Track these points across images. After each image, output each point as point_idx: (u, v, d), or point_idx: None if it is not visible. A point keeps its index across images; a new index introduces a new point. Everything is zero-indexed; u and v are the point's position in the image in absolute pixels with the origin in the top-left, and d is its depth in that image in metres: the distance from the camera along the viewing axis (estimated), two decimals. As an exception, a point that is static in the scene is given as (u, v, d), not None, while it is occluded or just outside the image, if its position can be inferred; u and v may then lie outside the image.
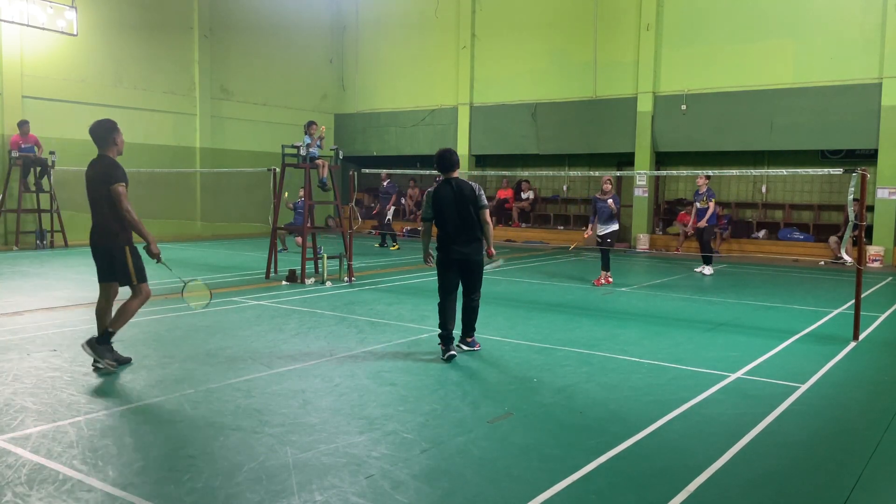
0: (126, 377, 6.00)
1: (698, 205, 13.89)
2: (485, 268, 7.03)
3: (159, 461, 4.22)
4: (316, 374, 6.16)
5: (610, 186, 12.13)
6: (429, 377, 6.17)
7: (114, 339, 6.44)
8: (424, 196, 6.99)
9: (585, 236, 12.69)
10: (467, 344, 7.13)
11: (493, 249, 7.00)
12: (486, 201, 6.84)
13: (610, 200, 11.96)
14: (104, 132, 6.20)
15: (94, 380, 5.89)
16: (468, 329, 7.13)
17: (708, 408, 5.42)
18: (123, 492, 3.79)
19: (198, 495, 3.78)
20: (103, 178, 6.08)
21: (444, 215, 6.80)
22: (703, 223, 13.64)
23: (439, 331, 6.85)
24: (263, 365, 6.46)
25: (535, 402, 5.53)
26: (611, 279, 12.14)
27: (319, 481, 3.95)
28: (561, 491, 3.89)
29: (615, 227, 12.13)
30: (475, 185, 6.82)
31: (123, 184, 6.09)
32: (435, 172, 6.98)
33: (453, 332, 6.88)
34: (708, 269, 13.78)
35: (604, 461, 4.31)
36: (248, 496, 3.76)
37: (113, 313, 6.37)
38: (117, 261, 6.17)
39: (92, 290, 10.57)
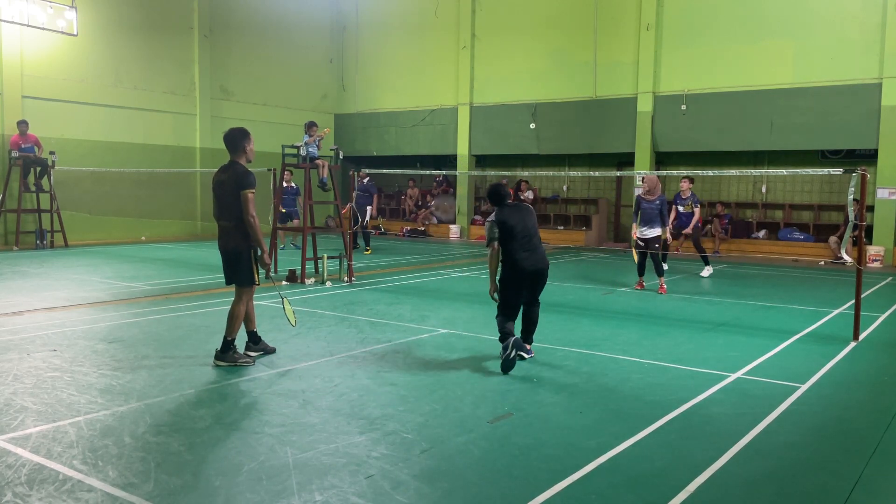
0: (126, 377, 6.00)
1: (681, 209, 13.63)
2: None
3: (159, 461, 4.22)
4: (316, 374, 6.16)
5: (647, 186, 11.19)
6: (429, 377, 6.17)
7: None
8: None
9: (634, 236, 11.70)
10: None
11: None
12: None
13: (658, 201, 11.12)
14: (236, 139, 6.43)
15: (94, 380, 5.89)
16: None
17: (708, 408, 5.42)
18: (123, 492, 3.79)
19: (198, 495, 3.78)
20: (235, 183, 6.28)
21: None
22: (689, 230, 13.66)
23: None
24: (263, 365, 6.46)
25: (535, 402, 5.52)
26: (665, 287, 11.36)
27: (319, 481, 3.95)
28: (561, 491, 3.89)
29: (658, 230, 11.25)
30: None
31: (253, 191, 6.31)
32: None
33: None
34: (707, 271, 13.57)
35: (604, 461, 4.31)
36: (248, 496, 3.76)
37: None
38: (243, 263, 6.41)
39: (91, 290, 10.60)
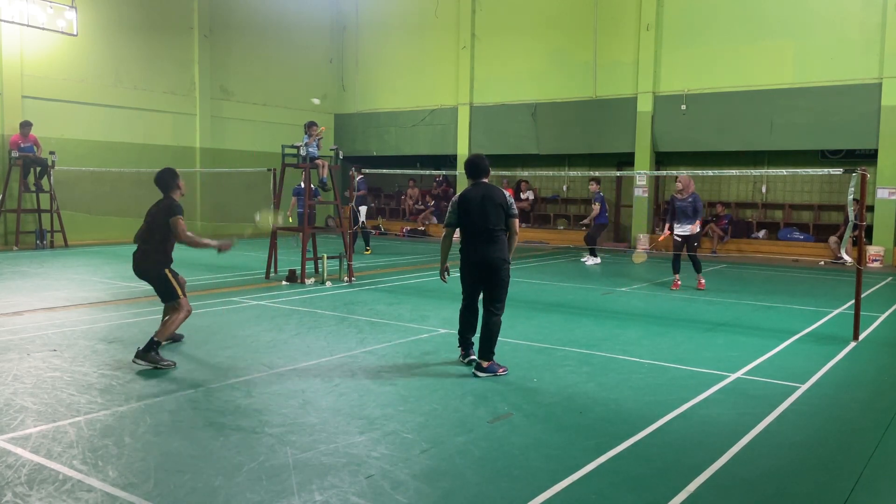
0: (126, 377, 6.00)
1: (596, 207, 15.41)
2: None
3: (159, 461, 4.22)
4: (316, 374, 6.16)
5: (681, 185, 11.56)
6: (429, 377, 6.17)
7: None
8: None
9: (661, 239, 12.76)
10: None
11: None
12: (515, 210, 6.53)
13: (690, 198, 11.45)
14: (168, 179, 6.95)
15: (94, 380, 5.89)
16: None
17: (708, 408, 5.42)
18: (123, 492, 3.79)
19: (198, 495, 3.78)
20: (165, 213, 6.74)
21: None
22: (589, 220, 15.61)
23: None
24: (263, 365, 6.46)
25: (535, 402, 5.53)
26: (703, 282, 11.71)
27: (319, 481, 3.95)
28: (561, 491, 3.89)
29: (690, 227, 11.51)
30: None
31: (181, 217, 6.72)
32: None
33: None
34: (592, 260, 15.42)
35: (604, 461, 4.31)
36: (248, 496, 3.76)
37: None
38: (160, 281, 6.75)
39: (91, 290, 10.59)
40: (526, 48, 21.06)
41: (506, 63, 21.48)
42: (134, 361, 6.38)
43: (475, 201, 6.34)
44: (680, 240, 11.68)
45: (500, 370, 6.26)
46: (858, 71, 16.40)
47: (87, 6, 18.29)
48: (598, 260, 15.62)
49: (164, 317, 6.89)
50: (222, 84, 21.93)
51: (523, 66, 21.16)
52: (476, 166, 6.48)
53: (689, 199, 11.51)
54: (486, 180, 6.50)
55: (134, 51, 19.69)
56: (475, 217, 6.33)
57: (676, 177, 12.00)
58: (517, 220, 6.47)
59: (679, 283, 11.87)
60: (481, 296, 6.52)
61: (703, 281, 11.78)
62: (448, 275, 6.71)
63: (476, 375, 6.21)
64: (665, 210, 19.76)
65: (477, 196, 6.36)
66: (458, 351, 6.77)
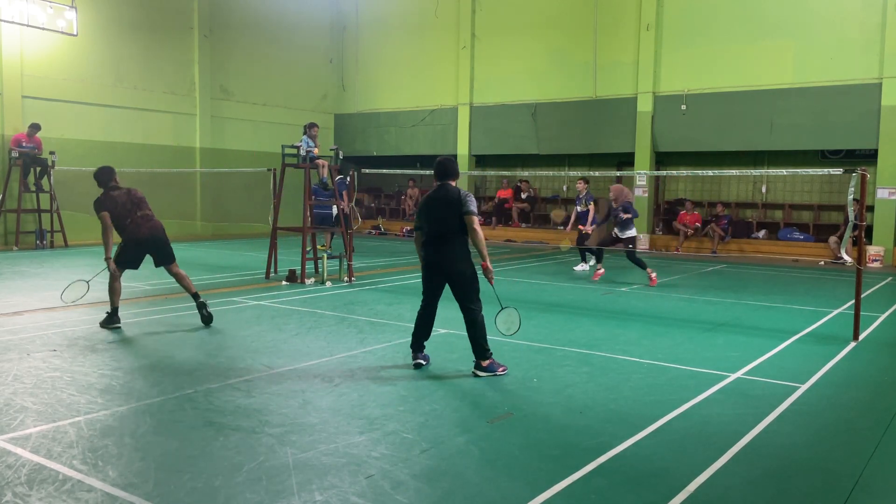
0: (126, 377, 6.00)
1: (578, 208, 14.37)
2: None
3: (159, 461, 4.22)
4: (316, 374, 6.16)
5: (613, 195, 12.58)
6: (429, 377, 6.17)
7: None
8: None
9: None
10: None
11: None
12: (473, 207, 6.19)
13: (620, 208, 12.39)
14: (105, 177, 8.09)
15: (94, 380, 5.89)
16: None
17: (708, 408, 5.42)
18: (123, 492, 3.79)
19: (198, 495, 3.78)
20: (132, 196, 8.17)
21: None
22: (588, 228, 14.25)
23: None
24: (263, 365, 6.46)
25: (535, 402, 5.52)
26: (654, 277, 12.14)
27: (319, 481, 3.95)
28: (561, 491, 3.89)
29: (629, 232, 12.39)
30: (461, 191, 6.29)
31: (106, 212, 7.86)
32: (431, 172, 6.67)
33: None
34: (582, 266, 14.30)
35: (604, 461, 4.31)
36: (248, 496, 3.76)
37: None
38: (169, 245, 8.29)
39: (91, 290, 10.56)
40: (526, 48, 21.07)
41: (506, 63, 21.49)
42: (206, 308, 8.12)
43: (433, 204, 6.29)
44: (613, 237, 12.54)
45: (500, 369, 6.25)
46: (858, 71, 16.41)
47: (87, 6, 18.29)
48: (589, 265, 14.43)
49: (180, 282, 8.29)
50: (222, 84, 21.93)
51: (523, 66, 21.16)
52: (442, 167, 6.36)
53: (619, 208, 12.37)
54: (453, 183, 6.34)
55: (134, 51, 19.69)
56: (431, 220, 6.29)
57: (609, 187, 12.99)
58: (474, 217, 6.12)
59: (601, 271, 12.77)
60: (455, 301, 6.37)
61: (654, 276, 12.09)
62: None
63: (476, 375, 6.19)
64: (665, 210, 19.89)
65: (435, 198, 6.29)
66: (458, 351, 6.77)
